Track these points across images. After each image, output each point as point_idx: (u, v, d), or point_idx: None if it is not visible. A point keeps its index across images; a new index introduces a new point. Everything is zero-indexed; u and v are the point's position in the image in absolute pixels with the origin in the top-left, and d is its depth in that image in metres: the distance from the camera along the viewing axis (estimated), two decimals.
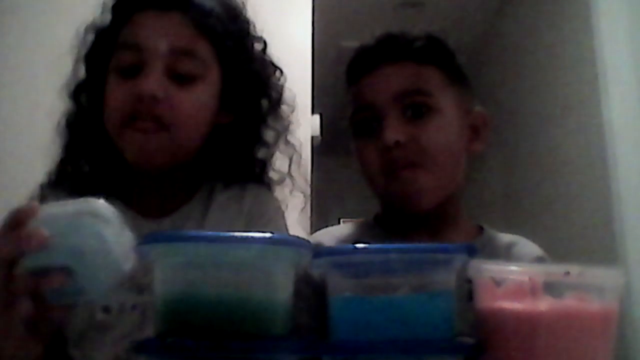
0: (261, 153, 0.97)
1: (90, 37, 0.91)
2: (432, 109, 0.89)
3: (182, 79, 0.83)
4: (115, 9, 0.88)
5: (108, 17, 0.90)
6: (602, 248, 2.05)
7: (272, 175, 0.98)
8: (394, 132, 0.87)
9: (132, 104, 0.81)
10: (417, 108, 0.89)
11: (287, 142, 0.98)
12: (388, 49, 0.93)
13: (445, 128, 0.90)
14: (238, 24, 0.92)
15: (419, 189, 0.88)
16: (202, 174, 0.98)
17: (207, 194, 0.94)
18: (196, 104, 0.85)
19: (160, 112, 0.81)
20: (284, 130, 0.97)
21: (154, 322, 0.49)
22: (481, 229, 0.98)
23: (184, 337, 0.45)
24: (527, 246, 0.96)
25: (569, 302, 0.47)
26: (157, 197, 0.91)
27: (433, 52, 0.93)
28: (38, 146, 0.93)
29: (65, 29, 0.94)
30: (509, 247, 0.95)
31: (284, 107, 0.97)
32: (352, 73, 0.96)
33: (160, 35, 0.83)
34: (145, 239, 0.48)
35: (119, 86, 0.83)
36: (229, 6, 0.92)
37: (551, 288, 0.47)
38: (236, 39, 0.90)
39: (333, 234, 0.99)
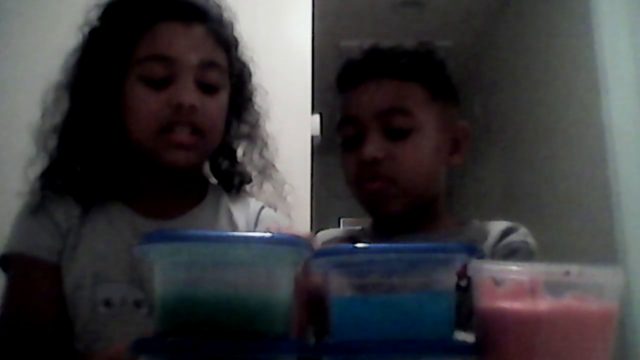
0: (236, 144, 1.02)
1: (93, 39, 0.92)
2: (413, 129, 0.92)
3: (208, 89, 0.89)
4: (132, 16, 0.90)
5: (113, 21, 0.91)
6: (602, 248, 2.05)
7: (249, 166, 1.02)
8: (372, 148, 0.91)
9: (170, 114, 0.85)
10: (397, 128, 0.91)
11: (259, 135, 1.02)
12: (373, 64, 0.95)
13: (424, 147, 0.93)
14: (233, 28, 0.97)
15: (386, 201, 0.92)
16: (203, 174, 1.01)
17: (215, 200, 0.98)
18: (221, 109, 0.92)
19: (196, 121, 0.87)
20: (256, 122, 1.02)
21: (153, 322, 0.49)
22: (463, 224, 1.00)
23: (184, 337, 0.45)
24: (497, 224, 0.96)
25: (569, 302, 0.47)
26: (166, 199, 0.94)
27: (419, 68, 0.95)
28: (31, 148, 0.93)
29: (60, 31, 0.94)
30: (479, 229, 0.96)
31: (256, 101, 1.02)
32: (340, 84, 0.99)
33: (190, 47, 0.88)
34: (145, 239, 0.48)
35: (151, 96, 0.86)
36: (225, 11, 0.96)
37: (551, 288, 0.47)
38: (236, 44, 0.97)
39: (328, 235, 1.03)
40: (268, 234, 0.49)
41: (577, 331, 0.47)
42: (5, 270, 0.89)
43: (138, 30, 0.88)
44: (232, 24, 0.97)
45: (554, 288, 0.47)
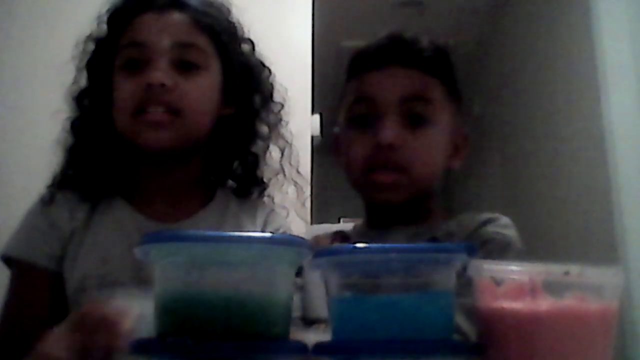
0: (257, 146, 1.01)
1: (90, 46, 0.96)
2: (431, 120, 0.92)
3: (186, 68, 0.89)
4: (113, 15, 0.94)
5: (106, 26, 0.95)
6: (602, 248, 2.05)
7: (266, 168, 1.02)
8: (390, 134, 0.89)
9: (142, 94, 0.86)
10: (417, 116, 0.91)
11: (280, 135, 1.02)
12: (400, 51, 0.94)
13: (436, 141, 0.93)
14: (230, 24, 0.98)
15: (389, 190, 0.91)
16: (212, 177, 1.01)
17: (223, 204, 0.98)
18: (201, 90, 0.90)
19: (169, 99, 0.87)
20: (277, 124, 1.01)
21: (154, 322, 0.49)
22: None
23: (184, 337, 0.45)
24: (477, 215, 0.96)
25: (569, 302, 0.47)
26: (172, 201, 0.95)
27: (440, 65, 0.95)
28: (39, 149, 0.95)
29: (66, 34, 0.97)
30: (463, 221, 0.95)
31: (275, 103, 1.01)
32: (356, 66, 0.98)
33: (162, 31, 0.89)
34: (145, 239, 0.48)
35: (127, 80, 0.88)
36: (221, 8, 0.97)
37: (551, 288, 0.47)
38: (230, 36, 0.96)
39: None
40: (268, 234, 0.49)
41: (577, 331, 0.47)
42: (9, 268, 0.91)
43: (119, 28, 0.91)
44: (222, 13, 0.97)
45: (554, 288, 0.47)
